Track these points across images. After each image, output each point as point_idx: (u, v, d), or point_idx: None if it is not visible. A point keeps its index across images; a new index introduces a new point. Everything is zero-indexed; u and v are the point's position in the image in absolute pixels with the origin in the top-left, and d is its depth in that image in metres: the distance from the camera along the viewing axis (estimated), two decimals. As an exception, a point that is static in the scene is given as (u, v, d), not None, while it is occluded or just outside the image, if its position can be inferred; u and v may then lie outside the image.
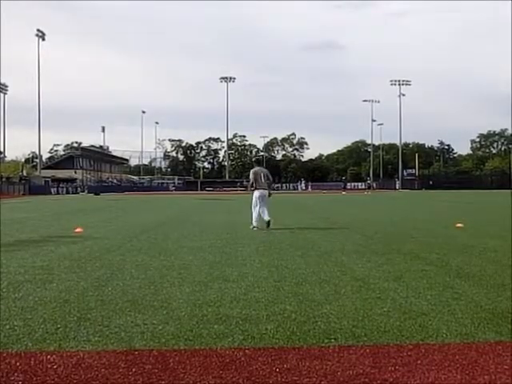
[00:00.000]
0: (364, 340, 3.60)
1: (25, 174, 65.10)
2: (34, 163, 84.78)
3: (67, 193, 61.71)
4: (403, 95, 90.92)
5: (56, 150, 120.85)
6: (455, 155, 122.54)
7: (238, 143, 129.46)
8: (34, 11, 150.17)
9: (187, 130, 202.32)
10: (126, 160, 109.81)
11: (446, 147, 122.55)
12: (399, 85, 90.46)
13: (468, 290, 5.16)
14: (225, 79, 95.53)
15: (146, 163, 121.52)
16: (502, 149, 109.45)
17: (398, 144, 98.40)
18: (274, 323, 4.00)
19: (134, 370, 3.07)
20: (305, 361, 3.20)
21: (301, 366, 3.12)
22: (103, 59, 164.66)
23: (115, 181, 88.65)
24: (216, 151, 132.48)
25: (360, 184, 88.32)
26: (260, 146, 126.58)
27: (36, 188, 57.76)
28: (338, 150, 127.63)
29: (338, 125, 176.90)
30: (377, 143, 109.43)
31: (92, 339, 3.63)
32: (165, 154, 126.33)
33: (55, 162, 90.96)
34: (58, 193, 59.42)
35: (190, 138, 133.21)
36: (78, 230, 11.64)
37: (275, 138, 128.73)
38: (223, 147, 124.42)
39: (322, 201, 33.06)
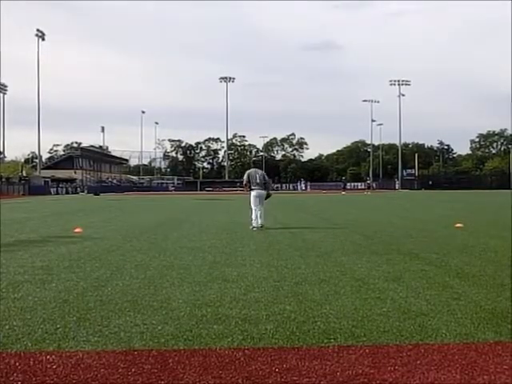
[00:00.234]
0: (363, 340, 3.60)
1: (24, 174, 64.99)
2: (34, 163, 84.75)
3: (67, 193, 61.75)
4: (403, 95, 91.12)
5: (56, 150, 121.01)
6: (455, 155, 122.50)
7: (238, 143, 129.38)
8: (33, 11, 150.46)
9: (187, 130, 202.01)
10: (126, 160, 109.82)
11: (446, 147, 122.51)
12: (399, 85, 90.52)
13: (468, 290, 5.16)
14: (224, 79, 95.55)
15: (146, 163, 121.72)
16: (502, 149, 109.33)
17: (398, 144, 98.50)
18: (274, 323, 4.00)
19: (133, 370, 3.07)
20: (304, 361, 3.20)
21: (300, 366, 3.12)
22: (103, 59, 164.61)
23: (115, 181, 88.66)
24: (216, 151, 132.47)
25: (360, 184, 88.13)
26: (260, 146, 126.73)
27: (36, 188, 57.69)
28: (338, 150, 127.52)
29: (337, 125, 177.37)
30: (376, 143, 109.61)
31: (91, 339, 3.63)
32: (164, 154, 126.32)
33: (55, 162, 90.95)
34: (57, 193, 59.42)
35: (190, 138, 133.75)
36: (77, 230, 11.64)
37: (275, 138, 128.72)
38: (223, 147, 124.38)
39: (321, 201, 33.07)
